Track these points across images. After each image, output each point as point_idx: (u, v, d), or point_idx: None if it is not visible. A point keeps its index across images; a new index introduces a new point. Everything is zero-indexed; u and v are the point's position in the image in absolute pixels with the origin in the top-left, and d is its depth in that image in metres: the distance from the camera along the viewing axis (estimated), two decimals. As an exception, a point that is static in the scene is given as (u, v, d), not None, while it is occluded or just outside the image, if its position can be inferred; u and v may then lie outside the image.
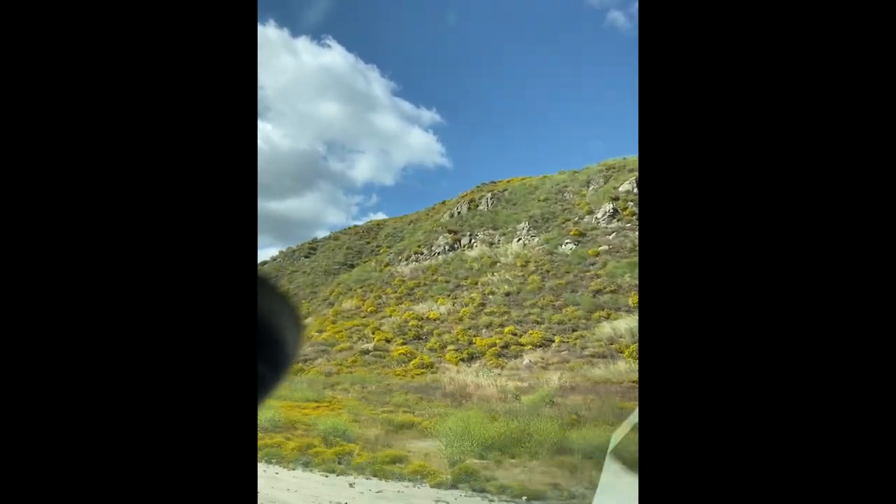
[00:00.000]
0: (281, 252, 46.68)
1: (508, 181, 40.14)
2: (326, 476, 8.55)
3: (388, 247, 40.90)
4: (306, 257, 45.39)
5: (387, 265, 33.72)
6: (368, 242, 44.89)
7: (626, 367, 15.61)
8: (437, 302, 25.00)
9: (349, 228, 49.26)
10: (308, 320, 28.19)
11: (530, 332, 20.08)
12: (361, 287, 30.29)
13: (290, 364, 0.57)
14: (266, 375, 0.56)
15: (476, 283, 26.50)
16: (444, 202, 47.02)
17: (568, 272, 24.55)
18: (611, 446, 1.39)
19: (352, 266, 41.30)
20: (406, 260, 33.40)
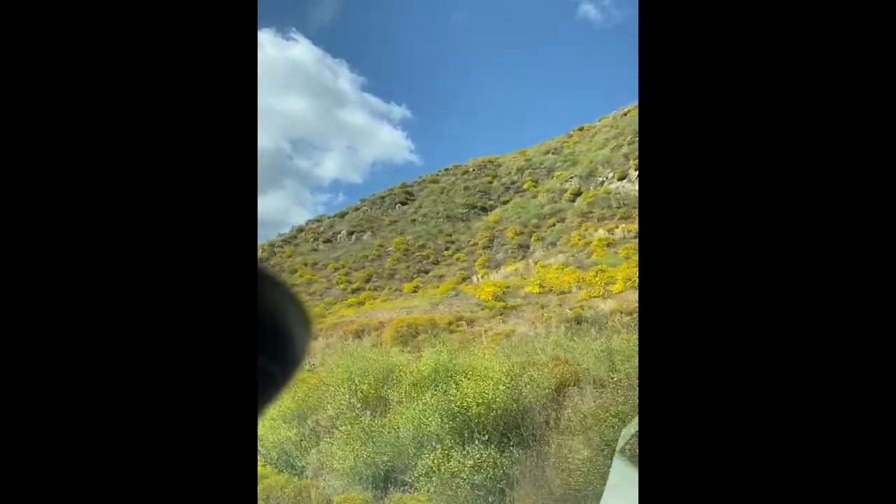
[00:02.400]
0: (363, 200, 35.25)
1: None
2: None
3: (536, 180, 30.51)
4: (403, 204, 34.19)
5: (573, 192, 24.04)
6: (491, 181, 34.37)
7: None
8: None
9: (446, 170, 38.30)
10: (504, 270, 18.10)
11: None
12: (559, 219, 24.19)
13: (300, 362, 0.55)
14: (275, 374, 0.54)
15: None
16: (579, 128, 36.83)
17: None
18: (619, 445, 1.56)
19: (483, 209, 30.80)
20: (622, 179, 23.28)
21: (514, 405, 5.56)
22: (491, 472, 4.88)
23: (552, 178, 29.41)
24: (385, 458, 5.76)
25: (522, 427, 5.43)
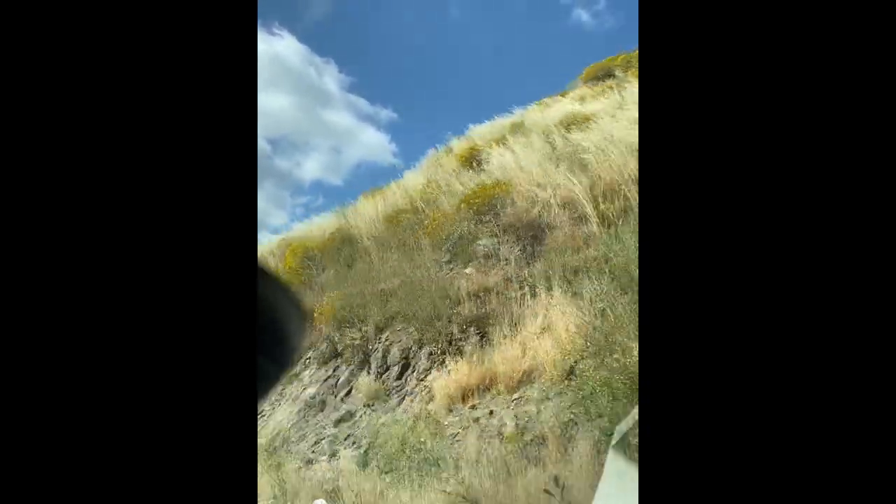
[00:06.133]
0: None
1: None
2: None
3: None
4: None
5: None
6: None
7: None
8: None
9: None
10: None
11: None
12: None
13: (294, 357, 0.56)
14: (270, 372, 0.55)
15: None
16: None
17: None
18: (614, 439, 1.45)
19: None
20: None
21: None
22: None
23: None
24: None
25: None
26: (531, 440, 4.18)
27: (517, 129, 10.76)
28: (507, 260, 6.59)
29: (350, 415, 5.96)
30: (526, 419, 4.48)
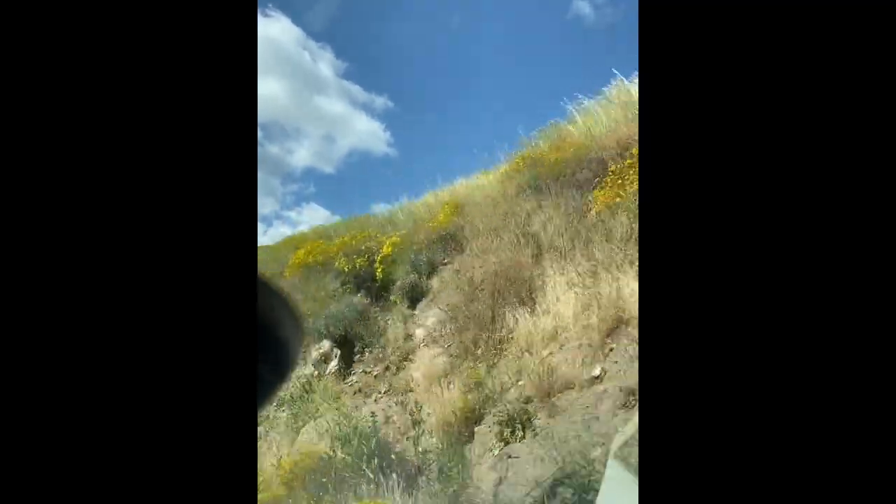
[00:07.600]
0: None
1: None
2: None
3: None
4: None
5: None
6: None
7: None
8: None
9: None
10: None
11: None
12: None
13: (293, 367, 0.56)
14: (269, 379, 0.55)
15: None
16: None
17: None
18: (613, 448, 1.44)
19: None
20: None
21: None
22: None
23: None
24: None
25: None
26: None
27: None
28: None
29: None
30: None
